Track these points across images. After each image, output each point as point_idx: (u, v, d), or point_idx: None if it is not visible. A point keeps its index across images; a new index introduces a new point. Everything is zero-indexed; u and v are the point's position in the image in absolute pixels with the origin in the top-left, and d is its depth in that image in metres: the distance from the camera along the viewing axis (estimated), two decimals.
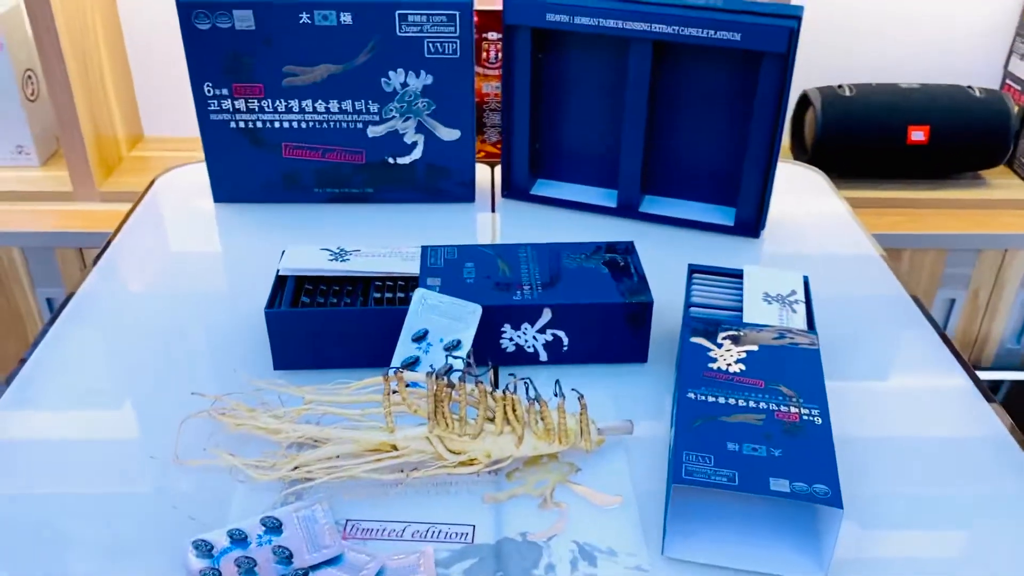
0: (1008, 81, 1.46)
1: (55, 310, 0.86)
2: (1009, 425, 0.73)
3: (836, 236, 1.02)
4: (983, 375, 1.39)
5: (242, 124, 0.99)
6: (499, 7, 0.99)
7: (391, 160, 1.02)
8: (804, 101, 1.37)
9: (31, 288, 1.30)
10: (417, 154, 1.01)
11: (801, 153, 1.39)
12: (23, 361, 0.78)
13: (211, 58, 0.95)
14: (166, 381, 0.76)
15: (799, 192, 1.10)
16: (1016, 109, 1.34)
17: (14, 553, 0.60)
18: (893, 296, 0.90)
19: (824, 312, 0.79)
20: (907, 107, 1.31)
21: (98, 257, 0.94)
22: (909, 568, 0.60)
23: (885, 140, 1.31)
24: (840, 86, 1.34)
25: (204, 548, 0.59)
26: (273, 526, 0.60)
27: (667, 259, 0.90)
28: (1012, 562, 0.61)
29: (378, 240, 0.97)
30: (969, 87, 1.34)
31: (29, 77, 1.34)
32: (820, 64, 1.42)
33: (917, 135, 1.29)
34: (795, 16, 0.88)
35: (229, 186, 1.03)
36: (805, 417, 0.62)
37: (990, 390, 0.76)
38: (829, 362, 0.71)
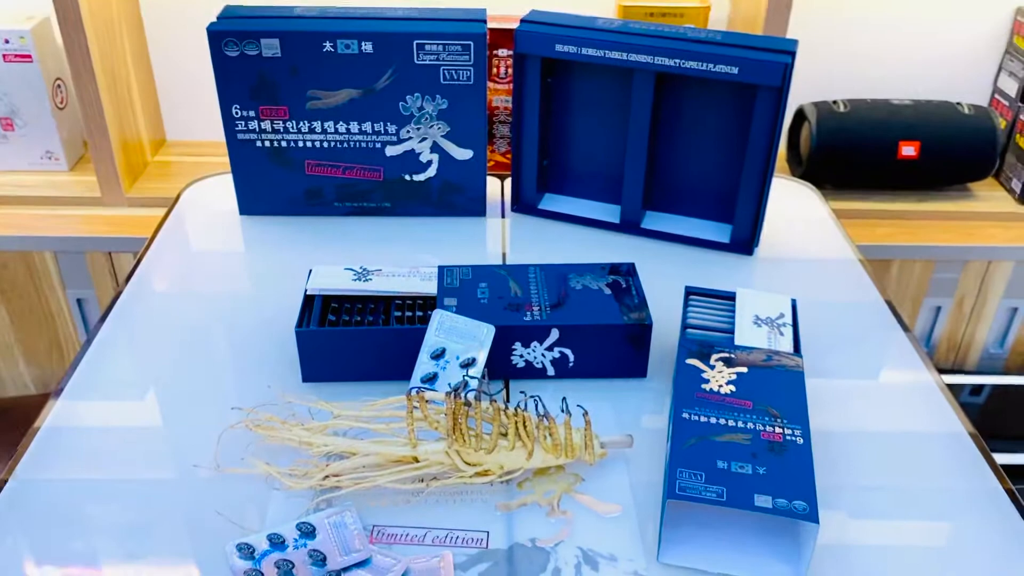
0: (996, 96, 1.51)
1: (97, 320, 0.92)
2: (967, 425, 0.80)
3: (824, 247, 1.09)
4: (967, 379, 1.46)
5: (267, 143, 1.05)
6: (510, 25, 1.04)
7: (408, 177, 1.08)
8: (800, 115, 1.43)
9: (62, 289, 1.36)
10: (432, 172, 1.08)
11: (797, 165, 1.45)
12: (71, 371, 0.85)
13: (239, 83, 1.00)
14: (201, 391, 0.83)
15: (792, 207, 1.17)
16: (1003, 124, 1.40)
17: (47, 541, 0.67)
18: (871, 302, 0.98)
19: (809, 316, 0.87)
20: (898, 123, 1.36)
21: (133, 270, 1.00)
22: (879, 553, 0.69)
23: (877, 154, 1.37)
24: (835, 102, 1.39)
25: (246, 550, 0.65)
26: (307, 531, 0.67)
27: (666, 274, 0.97)
28: (965, 547, 0.69)
29: (395, 250, 1.04)
30: (958, 103, 1.39)
31: (59, 86, 1.39)
32: (816, 79, 1.47)
33: (908, 150, 1.35)
34: (789, 52, 0.94)
35: (254, 200, 1.09)
36: (788, 437, 0.69)
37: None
38: (813, 362, 0.81)
